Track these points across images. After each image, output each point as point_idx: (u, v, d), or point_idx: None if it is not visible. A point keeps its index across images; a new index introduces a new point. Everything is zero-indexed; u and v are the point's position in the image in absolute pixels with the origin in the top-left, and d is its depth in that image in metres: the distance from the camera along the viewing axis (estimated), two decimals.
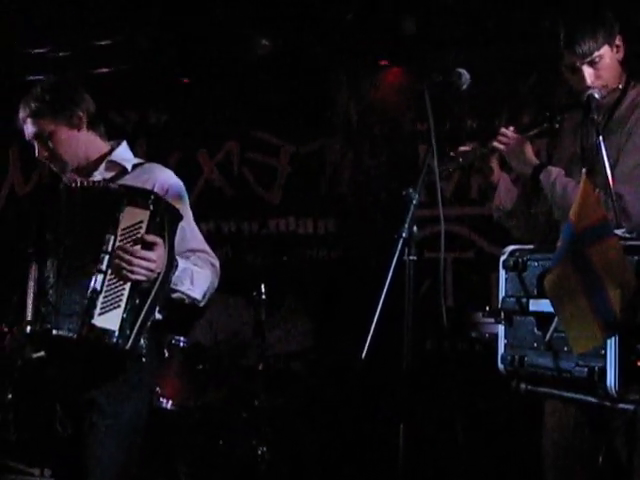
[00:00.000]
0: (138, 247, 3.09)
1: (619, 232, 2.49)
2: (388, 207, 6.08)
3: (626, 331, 2.32)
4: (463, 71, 3.14)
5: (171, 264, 3.18)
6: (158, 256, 3.12)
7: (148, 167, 3.49)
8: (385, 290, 2.75)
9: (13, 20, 6.06)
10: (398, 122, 6.18)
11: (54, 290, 3.10)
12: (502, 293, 2.78)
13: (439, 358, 3.05)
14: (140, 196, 3.16)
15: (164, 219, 3.16)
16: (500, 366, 2.78)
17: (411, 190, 2.94)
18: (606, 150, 3.14)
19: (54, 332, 3.06)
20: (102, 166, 3.46)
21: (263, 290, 5.27)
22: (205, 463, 5.05)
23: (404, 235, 2.84)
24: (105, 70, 6.54)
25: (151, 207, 3.13)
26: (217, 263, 3.44)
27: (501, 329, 2.79)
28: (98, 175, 3.45)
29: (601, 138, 3.17)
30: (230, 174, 6.67)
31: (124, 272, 3.07)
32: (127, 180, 3.38)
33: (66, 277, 3.10)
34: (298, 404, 5.53)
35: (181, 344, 5.05)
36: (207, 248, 3.45)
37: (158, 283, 3.13)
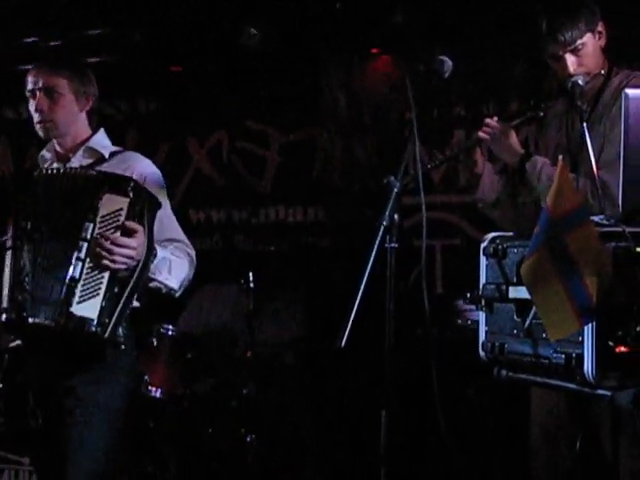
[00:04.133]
0: (118, 234, 3.06)
1: (597, 219, 2.50)
2: (378, 195, 6.06)
3: (602, 317, 2.32)
4: (445, 58, 3.12)
5: (150, 252, 3.15)
6: (138, 244, 3.09)
7: (126, 155, 3.47)
8: (365, 278, 2.75)
9: (2, 9, 6.05)
10: (388, 110, 6.17)
11: (30, 278, 3.06)
12: (483, 280, 2.78)
13: (426, 346, 3.07)
14: (120, 183, 3.13)
15: (144, 207, 3.13)
16: (481, 353, 2.79)
17: (392, 178, 2.94)
18: (591, 137, 3.15)
19: (30, 320, 3.03)
20: (80, 152, 3.44)
21: (252, 278, 5.27)
22: (194, 451, 5.06)
23: (385, 223, 2.85)
24: (95, 60, 6.51)
25: (131, 194, 3.10)
26: (193, 253, 3.42)
27: (482, 316, 2.79)
28: (76, 161, 3.42)
29: (586, 125, 3.18)
30: (220, 163, 6.66)
31: (104, 260, 3.04)
32: (105, 168, 3.34)
33: (43, 265, 3.07)
34: (287, 393, 5.55)
35: (170, 333, 5.04)
36: (184, 238, 3.42)
37: (137, 271, 3.10)
